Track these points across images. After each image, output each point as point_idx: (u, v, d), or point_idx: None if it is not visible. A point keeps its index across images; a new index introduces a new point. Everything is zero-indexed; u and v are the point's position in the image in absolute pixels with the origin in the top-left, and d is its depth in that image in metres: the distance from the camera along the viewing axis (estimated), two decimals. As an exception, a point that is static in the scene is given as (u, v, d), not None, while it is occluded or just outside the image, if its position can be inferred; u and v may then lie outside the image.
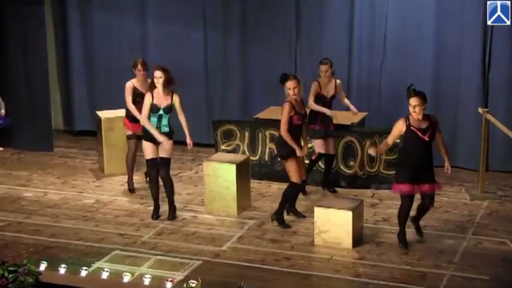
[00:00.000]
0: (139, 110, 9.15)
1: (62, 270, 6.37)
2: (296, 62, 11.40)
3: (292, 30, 11.38)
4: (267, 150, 10.31)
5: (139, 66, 9.59)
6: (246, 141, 10.44)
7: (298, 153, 8.51)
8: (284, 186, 8.87)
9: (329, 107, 9.55)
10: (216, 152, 10.34)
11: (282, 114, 8.46)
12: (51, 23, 12.60)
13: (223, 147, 10.49)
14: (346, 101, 9.85)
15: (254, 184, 9.91)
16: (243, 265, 7.73)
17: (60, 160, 11.50)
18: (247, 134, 10.43)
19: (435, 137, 7.79)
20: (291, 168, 8.59)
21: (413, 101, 7.63)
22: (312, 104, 9.41)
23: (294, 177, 8.61)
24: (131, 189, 9.93)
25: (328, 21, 11.18)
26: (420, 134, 7.68)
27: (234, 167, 9.07)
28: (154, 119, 8.72)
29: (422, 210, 8.10)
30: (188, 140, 8.85)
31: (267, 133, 10.29)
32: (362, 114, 10.50)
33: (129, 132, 9.79)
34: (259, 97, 11.50)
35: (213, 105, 12.00)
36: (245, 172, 9.30)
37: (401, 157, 7.99)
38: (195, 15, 11.77)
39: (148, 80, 9.34)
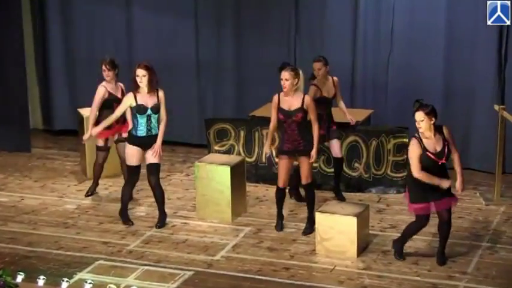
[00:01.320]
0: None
1: (41, 282, 6.36)
2: (295, 56, 11.38)
3: (291, 21, 11.36)
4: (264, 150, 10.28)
5: (102, 66, 9.41)
6: (241, 141, 10.42)
7: (265, 148, 8.84)
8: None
9: (331, 106, 9.49)
10: (208, 152, 10.32)
11: None
12: (29, 13, 12.57)
13: (216, 147, 10.47)
14: (342, 104, 9.62)
15: (250, 188, 9.91)
16: (238, 276, 7.71)
17: (39, 162, 11.47)
18: (242, 133, 10.42)
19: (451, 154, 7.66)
20: (278, 168, 8.69)
21: (418, 116, 7.54)
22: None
23: (278, 179, 8.69)
24: (89, 194, 9.93)
25: (330, 12, 11.17)
26: (437, 159, 7.55)
27: (228, 169, 9.05)
28: (143, 120, 8.60)
29: (442, 230, 7.83)
30: (156, 148, 8.62)
31: (264, 132, 10.26)
32: (367, 112, 10.50)
33: (101, 143, 9.68)
34: (255, 94, 11.46)
35: (205, 102, 11.98)
36: (240, 175, 9.28)
37: (416, 178, 7.72)
38: (185, 4, 11.74)
39: (119, 83, 9.45)
